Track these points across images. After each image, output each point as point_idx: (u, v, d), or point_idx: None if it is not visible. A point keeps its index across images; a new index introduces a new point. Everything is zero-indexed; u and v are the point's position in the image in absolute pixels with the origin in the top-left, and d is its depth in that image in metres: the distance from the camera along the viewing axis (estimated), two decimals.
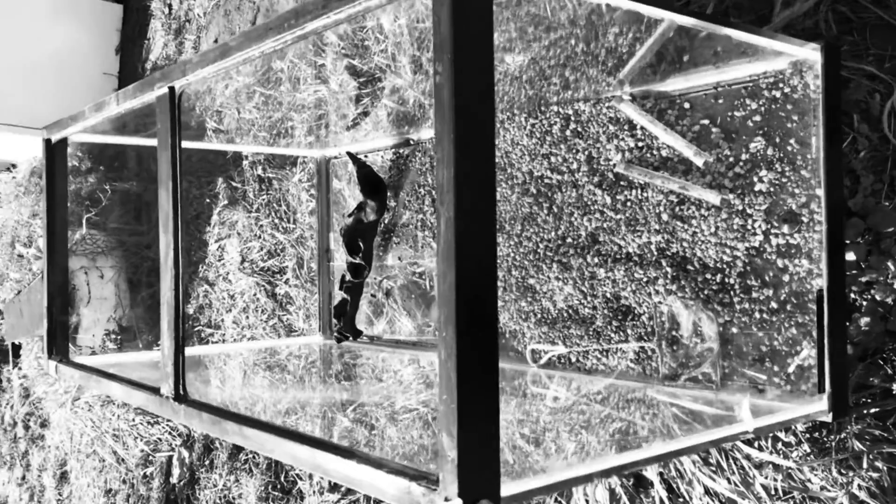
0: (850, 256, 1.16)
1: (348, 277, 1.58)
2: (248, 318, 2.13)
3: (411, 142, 1.55)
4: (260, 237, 2.11)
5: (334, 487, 1.91)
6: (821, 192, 1.00)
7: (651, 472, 1.24)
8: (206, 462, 2.31)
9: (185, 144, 0.96)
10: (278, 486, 2.07)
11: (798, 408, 0.99)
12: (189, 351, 1.10)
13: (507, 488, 0.66)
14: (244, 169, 2.20)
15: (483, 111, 0.62)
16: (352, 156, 1.57)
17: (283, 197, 2.03)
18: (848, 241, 1.17)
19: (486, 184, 0.63)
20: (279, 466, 2.09)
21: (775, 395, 1.06)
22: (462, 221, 0.62)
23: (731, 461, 1.18)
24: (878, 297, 1.14)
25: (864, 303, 1.17)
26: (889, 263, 1.14)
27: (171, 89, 0.98)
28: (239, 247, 2.20)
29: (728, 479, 1.18)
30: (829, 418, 0.99)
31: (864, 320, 1.15)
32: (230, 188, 2.24)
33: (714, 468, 1.20)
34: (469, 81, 0.61)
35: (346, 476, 0.73)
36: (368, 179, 1.54)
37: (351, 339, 1.60)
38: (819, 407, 1.00)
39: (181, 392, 0.97)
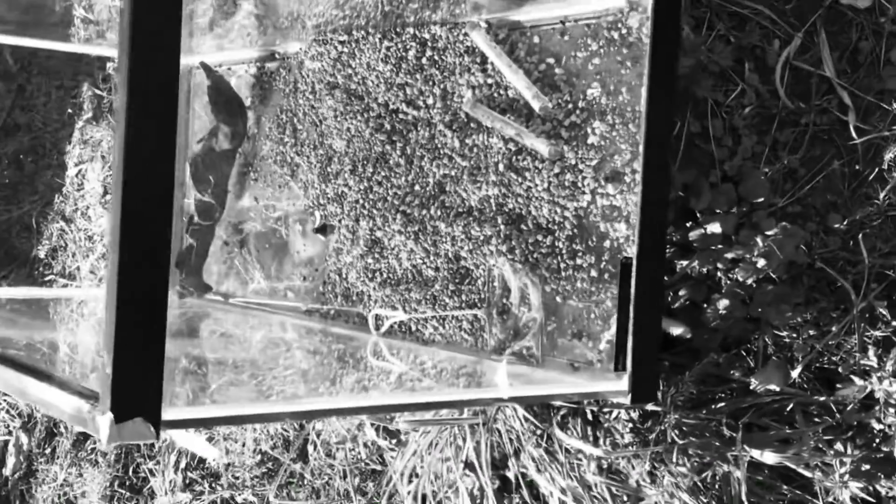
0: (716, 228, 1.42)
1: (196, 218, 1.89)
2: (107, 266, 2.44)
3: (277, 55, 1.84)
4: None
5: (187, 486, 2.27)
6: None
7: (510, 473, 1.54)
8: (48, 450, 2.67)
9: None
10: (126, 484, 2.43)
11: (587, 384, 1.26)
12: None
13: (174, 413, 0.97)
14: (111, 72, 2.49)
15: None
16: (206, 67, 1.87)
17: None
18: (718, 211, 1.42)
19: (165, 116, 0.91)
20: (129, 458, 2.44)
21: (589, 374, 1.33)
22: (134, 144, 0.90)
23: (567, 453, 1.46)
24: (740, 278, 1.40)
25: (728, 283, 1.42)
26: (758, 239, 1.39)
27: None
28: (102, 175, 2.52)
29: (559, 473, 1.46)
30: (627, 400, 1.26)
31: (723, 303, 1.42)
32: (95, 97, 2.55)
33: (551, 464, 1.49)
34: None
35: (39, 398, 1.05)
36: (222, 98, 1.84)
37: (196, 294, 1.92)
38: (616, 387, 1.26)
39: None
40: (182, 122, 2.09)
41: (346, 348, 1.69)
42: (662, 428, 1.38)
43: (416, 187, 1.58)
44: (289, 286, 1.86)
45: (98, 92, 2.53)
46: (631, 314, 1.30)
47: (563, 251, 1.39)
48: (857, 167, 1.44)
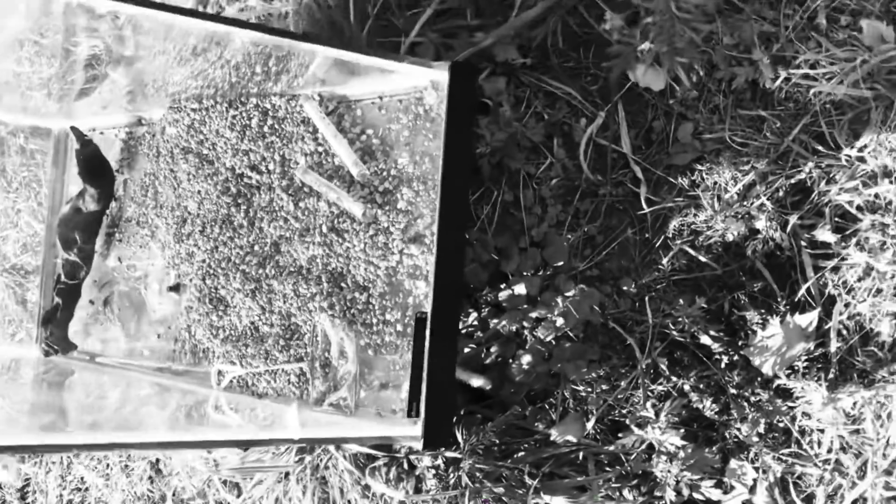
0: (522, 290, 1.75)
1: (63, 278, 2.20)
2: None
3: (143, 121, 2.18)
4: (17, 225, 2.74)
5: None
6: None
7: None
8: None
9: None
10: None
11: (383, 429, 1.57)
12: None
13: None
14: (2, 136, 2.83)
15: None
16: (75, 131, 2.19)
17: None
18: (525, 273, 1.76)
19: None
20: None
21: (390, 421, 1.64)
22: None
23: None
24: (541, 336, 1.73)
25: (532, 340, 1.75)
26: (558, 300, 1.72)
27: None
28: None
29: None
30: (419, 445, 1.56)
31: (527, 358, 1.74)
32: None
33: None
34: None
35: None
36: (91, 161, 2.16)
37: (61, 353, 2.21)
38: (411, 432, 1.57)
39: None
40: (57, 184, 2.42)
41: (191, 403, 1.99)
42: (459, 474, 1.68)
43: (256, 247, 1.86)
44: (145, 345, 2.15)
45: None
46: (424, 366, 1.60)
47: (376, 307, 1.64)
48: (646, 235, 1.77)
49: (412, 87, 1.65)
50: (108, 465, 2.50)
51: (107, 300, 2.21)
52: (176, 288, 2.01)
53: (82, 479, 2.60)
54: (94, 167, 2.15)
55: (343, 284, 1.70)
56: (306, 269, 1.76)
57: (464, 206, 1.59)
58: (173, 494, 2.26)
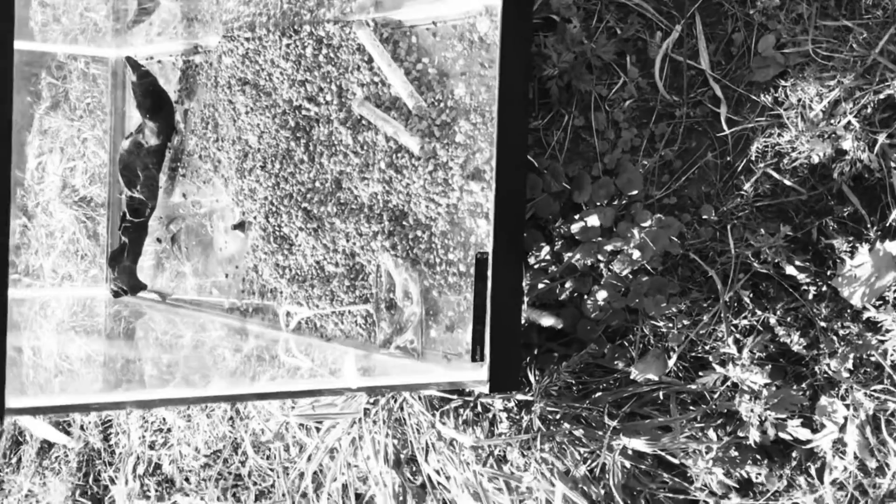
0: (595, 221, 2.03)
1: (128, 216, 2.58)
2: (68, 263, 3.12)
3: (199, 48, 2.51)
4: (83, 155, 3.12)
5: (144, 493, 3.00)
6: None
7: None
8: (14, 460, 3.45)
9: None
10: (88, 493, 3.18)
11: (448, 373, 1.90)
12: None
13: (14, 401, 1.66)
14: (63, 61, 3.17)
15: None
16: (130, 61, 2.54)
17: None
18: (598, 203, 2.05)
19: None
20: (90, 466, 3.20)
21: (457, 364, 1.97)
22: None
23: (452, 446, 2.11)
24: (617, 270, 2.02)
25: (608, 274, 2.04)
26: (634, 231, 2.01)
27: None
28: (61, 167, 3.20)
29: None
30: (486, 389, 1.88)
31: (602, 294, 2.04)
32: (51, 85, 3.22)
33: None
34: None
35: None
36: (148, 93, 2.50)
37: (129, 293, 2.60)
38: (476, 376, 1.90)
39: None
40: (118, 116, 2.79)
41: (263, 345, 2.36)
42: (531, 417, 1.99)
43: (317, 183, 2.18)
44: (214, 283, 2.51)
45: (53, 81, 3.19)
46: (488, 307, 1.90)
47: (438, 246, 1.91)
48: (727, 158, 2.01)
49: (465, 12, 1.92)
50: (188, 406, 2.92)
51: (174, 238, 2.59)
52: (241, 226, 2.36)
53: (164, 419, 3.03)
54: (153, 100, 2.49)
55: (405, 223, 2.01)
56: (368, 207, 2.07)
57: (523, 138, 1.86)
58: (252, 435, 2.67)
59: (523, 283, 1.91)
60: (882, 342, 1.82)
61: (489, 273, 1.81)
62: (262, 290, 2.31)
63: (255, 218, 2.30)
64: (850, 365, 1.83)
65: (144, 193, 2.53)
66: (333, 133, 2.11)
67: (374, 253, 2.04)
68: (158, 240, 2.59)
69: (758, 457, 1.91)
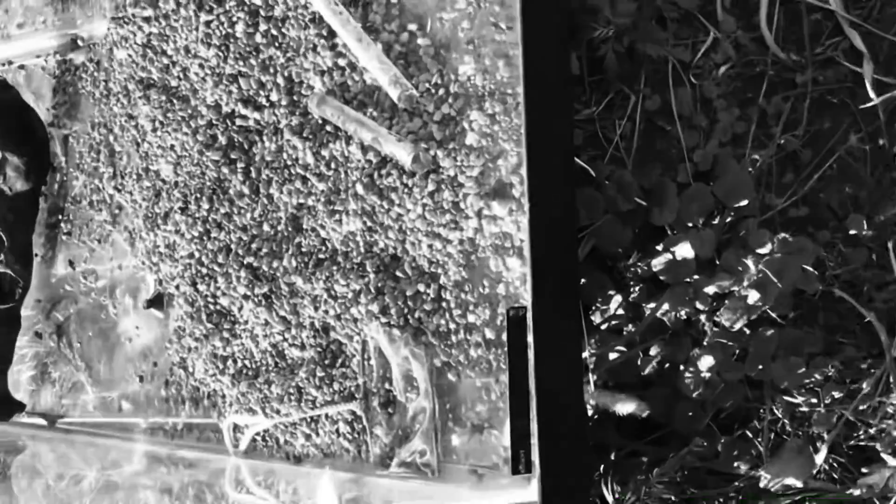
0: (687, 251, 1.86)
1: None
2: None
3: (80, 41, 2.35)
4: None
5: None
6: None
7: None
8: None
9: None
10: None
11: (477, 496, 1.70)
12: None
13: None
14: None
15: None
16: None
17: None
18: (690, 225, 1.87)
19: None
20: None
21: (494, 482, 1.78)
22: None
23: None
24: (726, 323, 1.84)
25: (713, 330, 1.87)
26: (748, 261, 1.83)
27: None
28: None
29: None
30: None
31: (706, 362, 1.86)
32: None
33: None
34: None
35: None
36: (8, 115, 2.34)
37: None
38: (521, 497, 1.70)
39: None
40: None
41: (202, 479, 2.17)
42: None
43: (265, 226, 1.95)
44: (123, 394, 2.32)
45: None
46: (532, 389, 1.71)
47: (451, 304, 1.74)
48: (880, 142, 1.84)
49: None
50: None
51: (60, 330, 2.41)
52: (157, 301, 2.18)
53: None
54: (16, 125, 2.33)
55: (399, 273, 1.83)
56: (342, 255, 1.89)
57: (567, 133, 1.69)
58: None
59: (585, 353, 1.73)
60: None
61: (529, 338, 1.64)
62: (194, 395, 2.13)
63: (177, 288, 2.12)
64: None
65: (11, 266, 2.35)
66: (284, 148, 1.94)
67: (356, 324, 1.86)
68: (38, 334, 2.42)
69: None
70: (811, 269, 1.75)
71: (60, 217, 2.33)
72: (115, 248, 2.23)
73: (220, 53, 2.00)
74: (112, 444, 2.26)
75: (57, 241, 2.35)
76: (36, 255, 2.35)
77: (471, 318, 1.74)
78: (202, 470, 2.08)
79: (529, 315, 1.64)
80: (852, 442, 1.78)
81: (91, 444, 2.31)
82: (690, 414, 1.83)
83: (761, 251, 1.77)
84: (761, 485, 1.78)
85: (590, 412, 1.86)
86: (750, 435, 1.82)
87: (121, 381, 2.24)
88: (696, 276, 1.81)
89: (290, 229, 1.93)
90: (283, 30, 1.94)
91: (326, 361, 1.89)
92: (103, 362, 2.28)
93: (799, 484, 1.77)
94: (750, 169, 1.78)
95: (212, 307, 2.03)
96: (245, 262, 1.97)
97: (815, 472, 1.77)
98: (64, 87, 2.33)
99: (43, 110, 2.35)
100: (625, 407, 1.82)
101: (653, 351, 1.84)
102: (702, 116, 1.80)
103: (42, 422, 2.40)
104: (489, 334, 1.71)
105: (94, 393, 2.29)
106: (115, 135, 2.20)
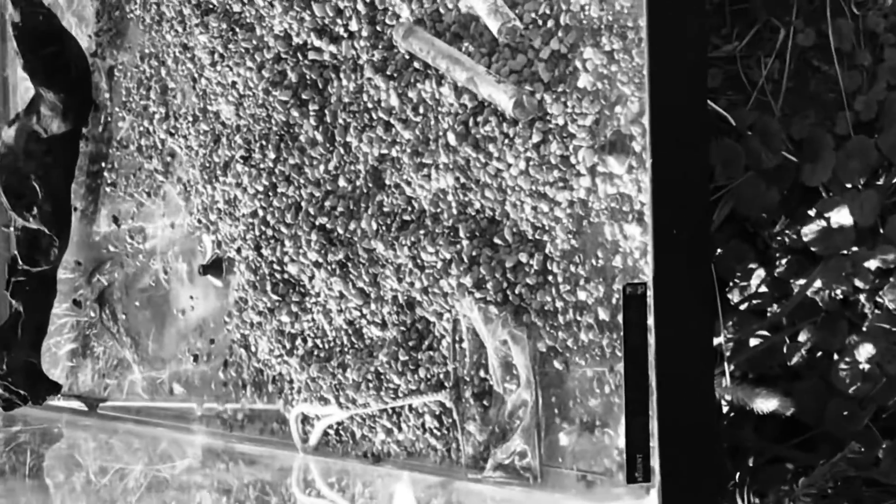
0: (845, 218, 1.87)
1: (20, 263, 2.41)
2: None
3: None
4: None
5: None
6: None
7: None
8: None
9: None
10: None
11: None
12: None
13: None
14: None
15: None
16: None
17: None
18: (850, 186, 1.89)
19: None
20: None
21: (606, 490, 1.80)
22: None
23: None
24: (890, 305, 1.85)
25: (874, 314, 1.88)
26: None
27: None
28: None
29: None
30: None
31: (866, 350, 1.87)
32: None
33: None
34: None
35: None
36: (40, 42, 2.37)
37: (30, 401, 2.41)
38: None
39: None
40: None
41: (266, 480, 2.20)
42: None
43: (341, 181, 1.99)
44: (175, 374, 2.35)
45: None
46: (652, 383, 1.71)
47: (559, 278, 1.75)
48: None
49: None
50: None
51: (102, 298, 2.44)
52: (215, 267, 2.22)
53: None
54: (50, 52, 2.36)
55: (497, 240, 1.84)
56: (431, 217, 1.91)
57: (700, 73, 1.70)
58: None
59: (719, 338, 1.74)
60: None
61: (650, 320, 1.63)
62: (257, 379, 2.17)
63: (238, 251, 2.15)
64: None
65: (46, 221, 2.38)
66: (364, 88, 1.96)
67: (446, 299, 1.88)
68: (76, 302, 2.46)
69: None
70: None
71: (103, 164, 2.37)
72: (166, 203, 2.26)
73: None
74: (161, 434, 2.30)
75: (99, 192, 2.39)
76: (75, 208, 2.39)
77: (581, 294, 1.74)
78: (265, 467, 2.12)
79: (650, 293, 1.63)
80: None
81: (137, 433, 2.35)
82: (845, 413, 1.84)
83: None
84: None
85: (724, 409, 1.83)
86: None
87: (172, 359, 2.28)
88: (854, 248, 1.80)
89: (370, 185, 1.95)
90: None
91: (411, 343, 1.90)
92: (152, 337, 2.32)
93: None
94: None
95: (278, 276, 2.06)
96: (317, 224, 1.99)
97: None
98: (109, 11, 2.36)
99: (84, 37, 2.38)
100: (766, 404, 1.83)
101: (801, 337, 1.85)
102: (865, 54, 1.80)
103: (81, 406, 2.44)
104: (603, 315, 1.72)
105: (140, 373, 2.33)
106: (168, 68, 2.24)
